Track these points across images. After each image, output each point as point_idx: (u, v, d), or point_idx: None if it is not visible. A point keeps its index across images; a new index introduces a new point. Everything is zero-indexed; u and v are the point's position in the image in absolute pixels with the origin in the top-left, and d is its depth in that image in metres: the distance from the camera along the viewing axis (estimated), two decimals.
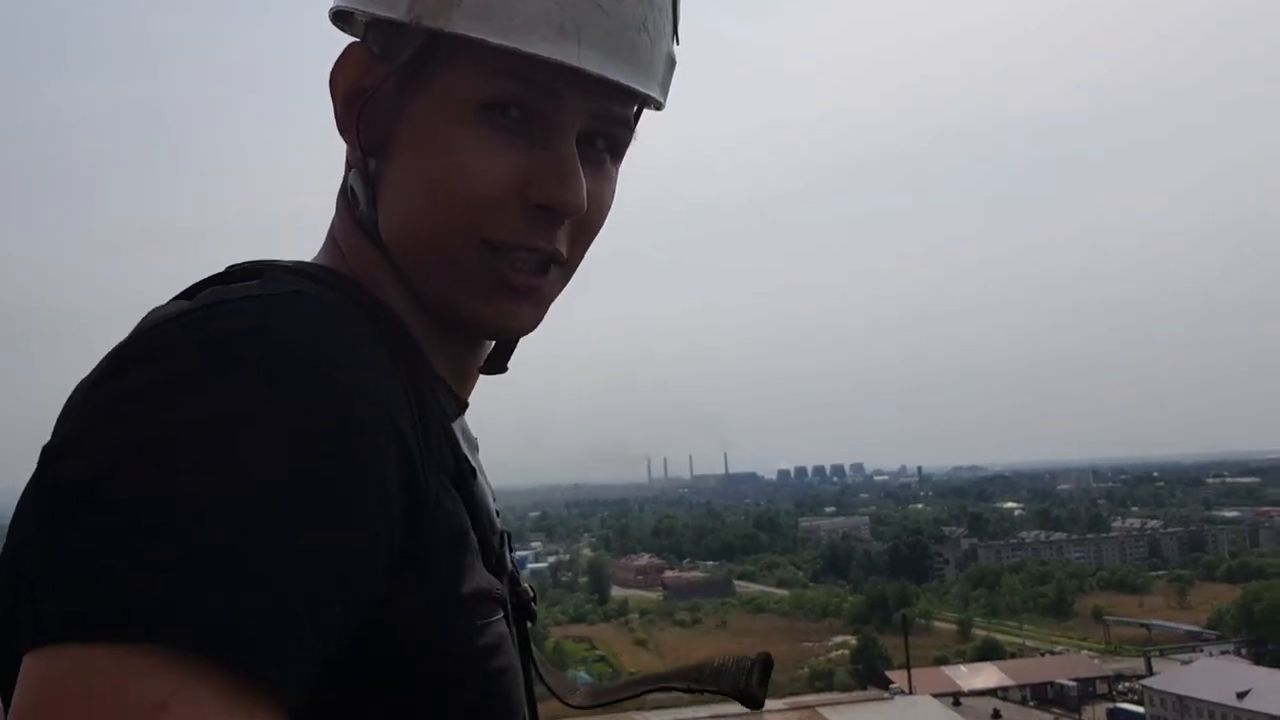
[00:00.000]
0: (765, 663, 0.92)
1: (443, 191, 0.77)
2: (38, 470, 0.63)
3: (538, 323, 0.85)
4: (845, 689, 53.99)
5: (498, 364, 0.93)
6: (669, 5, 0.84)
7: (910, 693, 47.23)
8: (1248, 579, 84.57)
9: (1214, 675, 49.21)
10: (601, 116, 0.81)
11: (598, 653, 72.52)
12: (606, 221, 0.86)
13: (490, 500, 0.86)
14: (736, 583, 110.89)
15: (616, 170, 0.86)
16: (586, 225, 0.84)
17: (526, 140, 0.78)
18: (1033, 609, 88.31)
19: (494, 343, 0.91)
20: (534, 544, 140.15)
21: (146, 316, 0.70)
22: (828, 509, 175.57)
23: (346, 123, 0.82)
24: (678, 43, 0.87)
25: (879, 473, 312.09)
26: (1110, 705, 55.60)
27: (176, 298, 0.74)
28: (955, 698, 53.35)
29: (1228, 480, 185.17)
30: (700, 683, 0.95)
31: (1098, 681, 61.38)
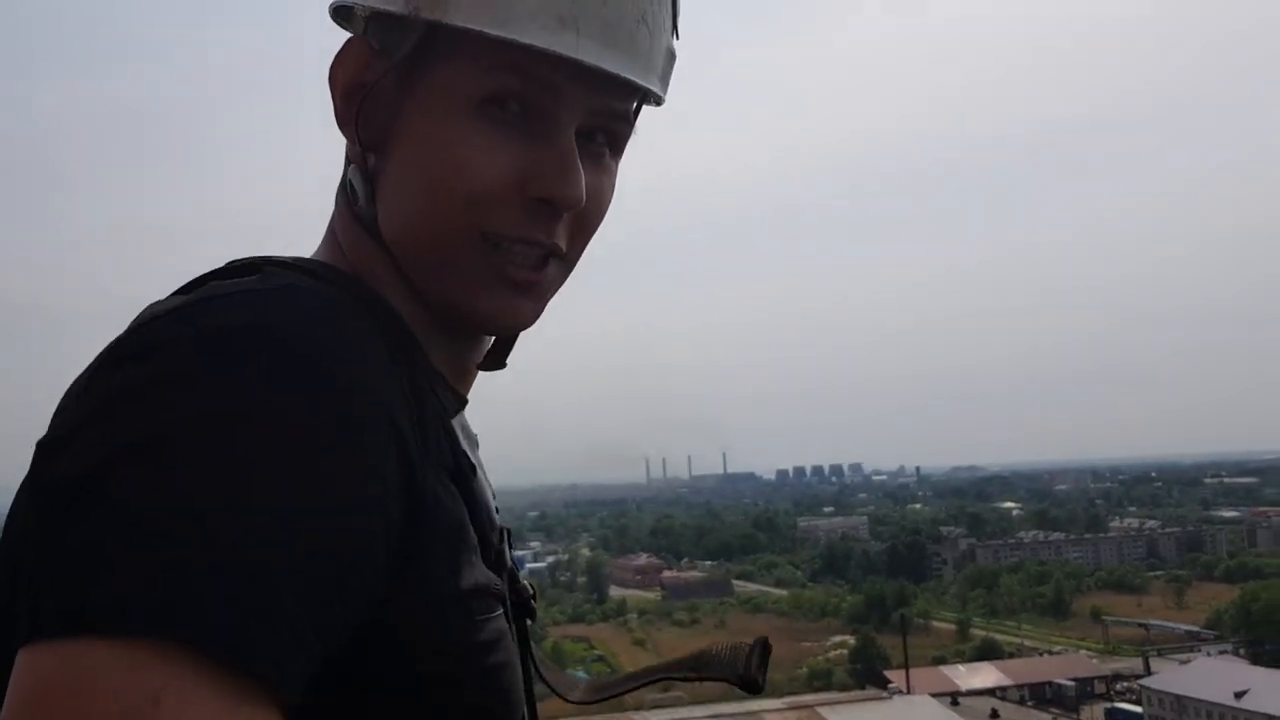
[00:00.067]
0: (764, 647, 0.92)
1: (442, 186, 0.77)
2: (32, 466, 0.63)
3: (536, 318, 0.85)
4: (844, 689, 54.01)
5: (497, 360, 0.93)
6: None
7: (908, 692, 47.23)
8: (1245, 579, 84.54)
9: (1212, 675, 49.25)
10: (601, 111, 0.80)
11: (596, 653, 72.53)
12: (606, 217, 0.86)
13: (490, 497, 0.86)
14: (735, 583, 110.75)
15: (616, 165, 0.86)
16: (586, 220, 0.83)
17: (526, 134, 0.78)
18: (1031, 609, 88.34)
19: (493, 339, 0.91)
20: (532, 544, 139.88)
21: (143, 312, 0.70)
22: (826, 509, 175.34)
23: (346, 118, 0.82)
24: (677, 38, 0.86)
25: (877, 473, 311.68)
26: (1108, 705, 55.57)
27: (174, 293, 0.74)
28: (953, 697, 53.34)
29: (1225, 480, 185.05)
30: (699, 670, 0.94)
31: (1096, 681, 61.40)
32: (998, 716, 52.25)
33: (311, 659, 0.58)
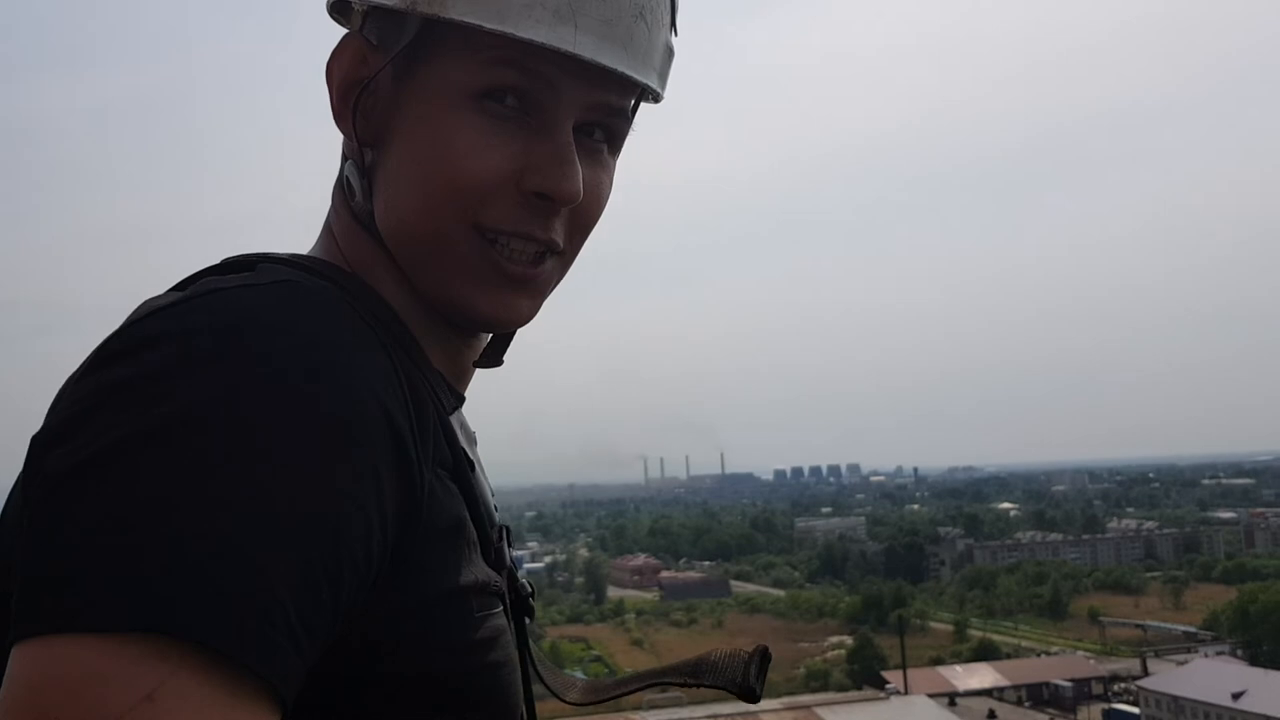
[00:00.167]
0: (763, 656, 0.92)
1: (439, 180, 0.77)
2: (26, 460, 0.63)
3: (534, 314, 0.84)
4: (841, 689, 54.04)
5: (494, 358, 0.92)
6: None
7: (906, 693, 47.27)
8: (1243, 580, 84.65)
9: (1209, 676, 49.22)
10: (599, 106, 0.80)
11: (594, 653, 72.41)
12: (604, 214, 0.85)
13: (489, 494, 0.85)
14: (733, 583, 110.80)
15: (614, 162, 0.85)
16: (583, 216, 0.83)
17: (523, 129, 0.77)
18: (1028, 610, 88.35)
19: (490, 336, 0.90)
20: (530, 544, 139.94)
21: (138, 308, 0.70)
22: (824, 509, 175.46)
23: (343, 113, 0.81)
24: (676, 34, 0.86)
25: (875, 473, 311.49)
26: (1105, 706, 55.55)
27: (170, 289, 0.74)
28: (951, 698, 53.30)
29: (1223, 482, 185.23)
30: (697, 677, 0.93)
31: (1093, 682, 61.35)
32: (995, 717, 52.26)
33: (307, 654, 0.57)
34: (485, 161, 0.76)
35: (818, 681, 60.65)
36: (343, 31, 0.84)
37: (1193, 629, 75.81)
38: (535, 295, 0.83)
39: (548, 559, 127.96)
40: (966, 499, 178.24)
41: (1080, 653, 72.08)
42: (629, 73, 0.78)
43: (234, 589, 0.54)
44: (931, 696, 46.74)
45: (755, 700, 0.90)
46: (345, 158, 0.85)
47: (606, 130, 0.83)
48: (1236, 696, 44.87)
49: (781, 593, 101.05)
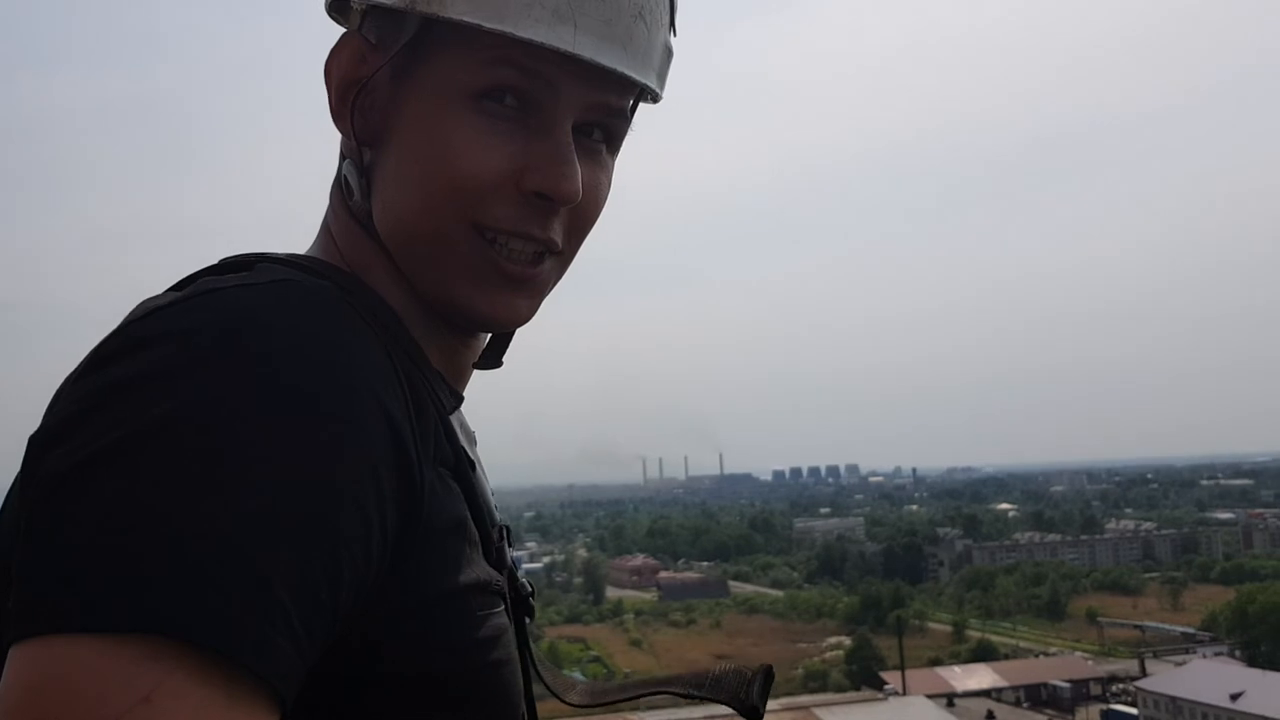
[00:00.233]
0: (766, 675, 0.92)
1: (438, 179, 0.77)
2: (24, 460, 0.63)
3: (532, 314, 0.84)
4: (840, 690, 54.10)
5: (493, 358, 0.92)
6: None
7: (904, 694, 47.31)
8: (1241, 581, 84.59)
9: (1207, 677, 49.22)
10: (598, 106, 0.80)
11: (592, 653, 72.36)
12: (602, 214, 0.85)
13: (489, 494, 0.85)
14: (731, 583, 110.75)
15: (613, 162, 0.85)
16: (582, 216, 0.83)
17: (522, 128, 0.77)
18: (1026, 610, 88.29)
19: (489, 336, 0.90)
20: (529, 544, 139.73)
21: (136, 308, 0.70)
22: (822, 510, 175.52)
23: (341, 113, 0.81)
24: (675, 34, 0.86)
25: (874, 474, 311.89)
26: (1104, 707, 55.49)
27: (168, 289, 0.74)
28: (949, 699, 53.29)
29: (1221, 482, 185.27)
30: (700, 690, 0.94)
31: (1091, 683, 61.33)
32: (993, 718, 52.22)
33: (307, 654, 0.57)
34: (484, 161, 0.76)
35: (816, 682, 60.62)
36: (341, 31, 0.83)
37: (1191, 630, 75.76)
38: (534, 295, 0.83)
39: (546, 559, 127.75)
40: (965, 500, 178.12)
41: (1078, 653, 72.05)
42: (628, 73, 0.78)
43: (233, 589, 0.54)
44: (930, 697, 46.82)
45: (758, 719, 0.90)
46: (343, 157, 0.85)
47: (605, 130, 0.83)
48: (1235, 697, 44.86)
49: (780, 593, 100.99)
